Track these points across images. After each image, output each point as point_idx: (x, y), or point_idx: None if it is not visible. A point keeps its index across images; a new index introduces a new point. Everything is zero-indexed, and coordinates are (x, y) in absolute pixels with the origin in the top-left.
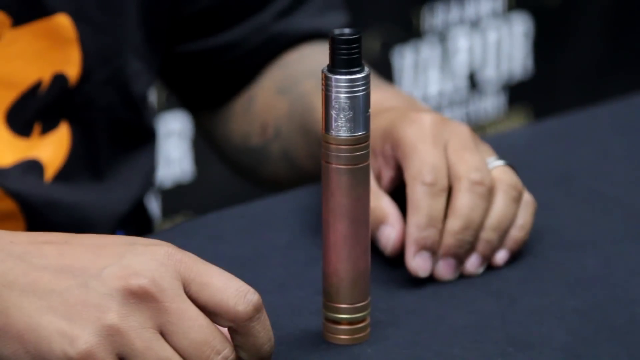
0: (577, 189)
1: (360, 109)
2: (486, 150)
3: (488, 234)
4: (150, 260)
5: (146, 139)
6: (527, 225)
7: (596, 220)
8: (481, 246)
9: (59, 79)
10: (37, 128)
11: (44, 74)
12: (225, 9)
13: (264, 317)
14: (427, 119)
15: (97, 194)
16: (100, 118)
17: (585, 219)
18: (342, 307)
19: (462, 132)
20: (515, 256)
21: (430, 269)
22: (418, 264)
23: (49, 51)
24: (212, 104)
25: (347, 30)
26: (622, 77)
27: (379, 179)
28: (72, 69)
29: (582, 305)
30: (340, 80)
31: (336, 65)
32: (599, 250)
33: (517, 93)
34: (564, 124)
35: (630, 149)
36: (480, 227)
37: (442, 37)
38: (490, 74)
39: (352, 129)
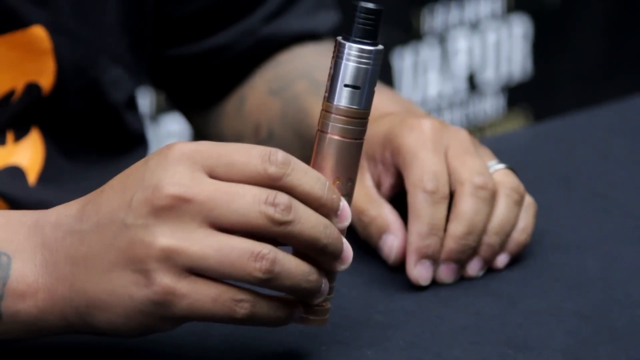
0: (576, 190)
1: (367, 83)
2: (486, 153)
3: (491, 238)
4: (165, 167)
5: (132, 143)
6: (529, 228)
7: (596, 222)
8: (483, 250)
9: (32, 88)
10: (10, 136)
11: (17, 83)
12: (215, 13)
13: (298, 165)
14: (426, 125)
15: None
16: (73, 125)
17: (585, 220)
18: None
19: (462, 136)
20: (515, 258)
21: (431, 278)
22: (420, 272)
23: (23, 62)
24: (202, 105)
25: (369, 3)
26: (621, 78)
27: (379, 186)
28: (46, 79)
29: (581, 307)
30: (353, 48)
31: (352, 33)
32: (599, 252)
33: (516, 94)
34: (563, 125)
35: (630, 150)
36: (483, 231)
37: (442, 38)
38: (490, 76)
39: (355, 101)
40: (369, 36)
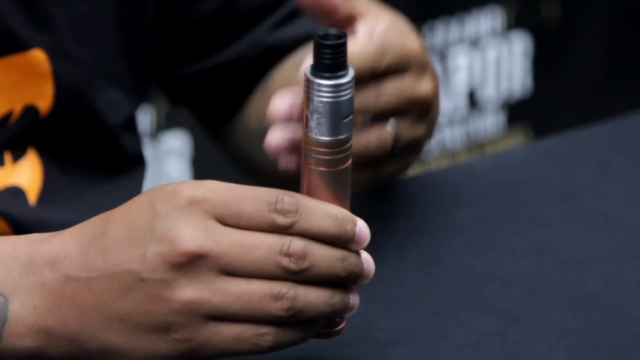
0: (577, 207)
1: (343, 113)
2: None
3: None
4: (177, 217)
5: (130, 164)
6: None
7: (596, 239)
8: None
9: (30, 111)
10: (7, 157)
11: (15, 106)
12: (221, 29)
13: (306, 207)
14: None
15: (83, 215)
16: (70, 146)
17: (585, 237)
18: None
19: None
20: (516, 275)
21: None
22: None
23: (22, 84)
24: (224, 117)
25: (332, 31)
26: (621, 95)
27: None
28: (44, 101)
29: (582, 325)
30: (323, 85)
31: (320, 68)
32: (600, 269)
33: (516, 111)
34: (563, 142)
35: (630, 167)
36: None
37: (442, 55)
38: (490, 93)
39: (333, 132)
40: (338, 69)
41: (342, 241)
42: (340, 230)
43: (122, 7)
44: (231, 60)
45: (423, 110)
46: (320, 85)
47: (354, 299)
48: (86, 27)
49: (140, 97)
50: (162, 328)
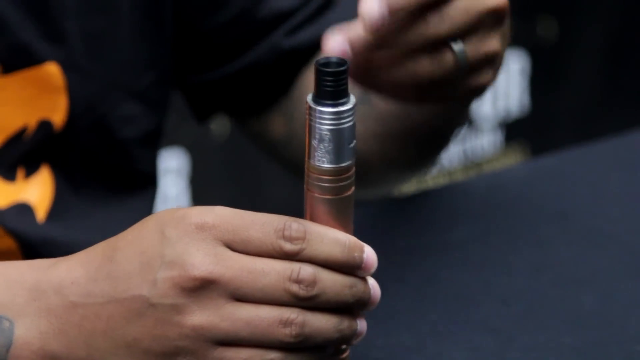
0: (574, 226)
1: (345, 140)
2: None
3: None
4: (187, 244)
5: (142, 183)
6: None
7: (593, 257)
8: None
9: (44, 125)
10: (20, 172)
11: (30, 120)
12: (236, 39)
13: (314, 234)
14: None
15: (91, 234)
16: (83, 162)
17: (582, 256)
18: None
19: None
20: (513, 293)
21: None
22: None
23: (36, 99)
24: (247, 120)
25: (333, 59)
26: (618, 113)
27: None
28: (58, 115)
29: (579, 343)
30: (325, 112)
31: (321, 96)
32: (597, 287)
33: (513, 130)
34: (560, 161)
35: (628, 186)
36: None
37: None
38: (487, 111)
39: (336, 160)
40: (339, 96)
41: (349, 268)
42: (349, 257)
43: (138, 20)
44: (248, 67)
45: (494, 21)
46: (322, 112)
47: (362, 325)
48: (100, 40)
49: (163, 110)
50: (171, 353)
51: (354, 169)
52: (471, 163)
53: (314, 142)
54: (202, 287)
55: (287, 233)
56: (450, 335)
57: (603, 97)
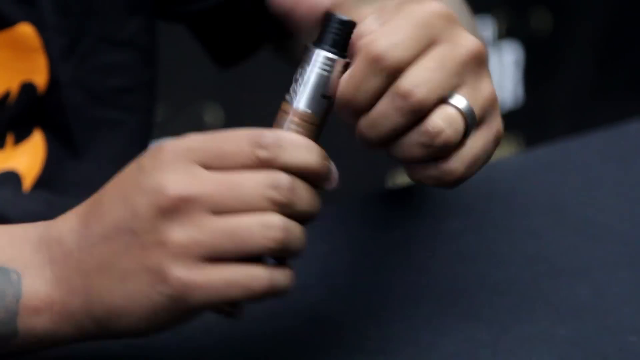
0: (567, 217)
1: (323, 90)
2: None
3: None
4: (161, 168)
5: (135, 135)
6: None
7: (587, 249)
8: None
9: (27, 88)
10: (9, 139)
11: (12, 84)
12: None
13: (288, 141)
14: None
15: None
16: (74, 120)
17: (576, 247)
18: None
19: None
20: (507, 284)
21: None
22: None
23: (14, 61)
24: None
25: (345, 16)
26: (612, 105)
27: None
28: (40, 76)
29: (573, 334)
30: (320, 55)
31: (323, 40)
32: (590, 279)
33: (507, 122)
34: (554, 152)
35: (621, 177)
36: None
37: None
38: None
39: (307, 103)
40: (333, 44)
41: (321, 176)
42: (322, 165)
43: None
44: None
45: (477, 64)
46: (317, 54)
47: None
48: None
49: (155, 57)
50: (157, 275)
51: (318, 125)
52: None
53: (296, 82)
54: (181, 207)
55: (261, 140)
56: (443, 326)
57: (597, 89)
